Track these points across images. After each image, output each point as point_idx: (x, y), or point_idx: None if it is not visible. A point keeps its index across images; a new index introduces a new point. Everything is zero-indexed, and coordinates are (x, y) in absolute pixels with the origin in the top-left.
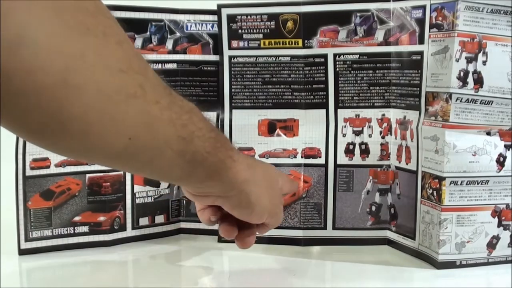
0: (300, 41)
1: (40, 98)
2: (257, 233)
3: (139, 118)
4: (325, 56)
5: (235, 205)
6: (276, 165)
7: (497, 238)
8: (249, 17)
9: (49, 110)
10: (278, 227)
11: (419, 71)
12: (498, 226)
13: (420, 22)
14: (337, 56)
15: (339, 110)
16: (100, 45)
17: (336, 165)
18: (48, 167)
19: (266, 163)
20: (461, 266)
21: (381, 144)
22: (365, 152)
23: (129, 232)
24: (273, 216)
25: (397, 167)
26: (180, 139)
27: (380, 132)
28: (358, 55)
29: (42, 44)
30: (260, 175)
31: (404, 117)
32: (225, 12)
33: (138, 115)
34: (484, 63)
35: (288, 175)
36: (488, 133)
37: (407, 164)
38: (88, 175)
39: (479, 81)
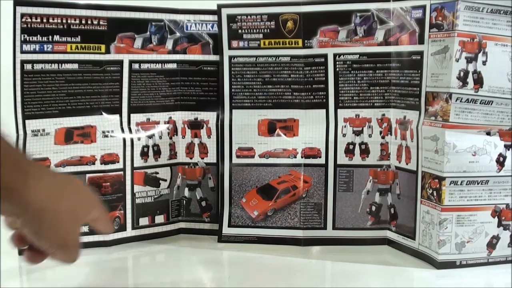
0: (300, 41)
1: None
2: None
3: None
4: (325, 56)
5: (23, 226)
6: (276, 165)
7: (497, 238)
8: (249, 17)
9: None
10: (278, 227)
11: (419, 71)
12: (498, 226)
13: (420, 22)
14: (337, 56)
15: (339, 110)
16: None
17: (336, 165)
18: (48, 167)
19: (84, 194)
20: (461, 266)
21: (381, 144)
22: (365, 152)
23: (129, 232)
24: (65, 252)
25: (397, 167)
26: None
27: (380, 132)
28: (358, 55)
29: None
30: (63, 209)
31: (404, 117)
32: (225, 12)
33: None
34: (484, 63)
35: (104, 210)
36: (488, 133)
37: (407, 164)
38: (88, 175)
39: (479, 81)
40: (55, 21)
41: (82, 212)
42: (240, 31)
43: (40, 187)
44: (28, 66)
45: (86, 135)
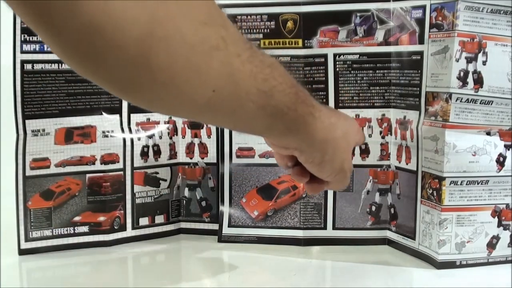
0: (300, 41)
1: (129, 50)
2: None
3: (222, 70)
4: (325, 56)
5: (308, 159)
6: (276, 165)
7: (497, 238)
8: (249, 17)
9: (138, 61)
10: (278, 227)
11: (419, 71)
12: (498, 226)
13: (420, 22)
14: (337, 56)
15: (339, 110)
16: None
17: None
18: (48, 167)
19: (350, 120)
20: (461, 266)
21: (381, 144)
22: (365, 152)
23: (129, 232)
24: (340, 179)
25: (397, 167)
26: (260, 93)
27: (380, 132)
28: (358, 55)
29: None
30: (339, 137)
31: (404, 117)
32: (225, 12)
33: (221, 67)
34: (484, 63)
35: (360, 129)
36: (488, 133)
37: (407, 164)
38: (88, 175)
39: (479, 81)
40: None
41: (351, 137)
42: (240, 31)
43: (323, 120)
44: (28, 66)
45: (86, 135)
